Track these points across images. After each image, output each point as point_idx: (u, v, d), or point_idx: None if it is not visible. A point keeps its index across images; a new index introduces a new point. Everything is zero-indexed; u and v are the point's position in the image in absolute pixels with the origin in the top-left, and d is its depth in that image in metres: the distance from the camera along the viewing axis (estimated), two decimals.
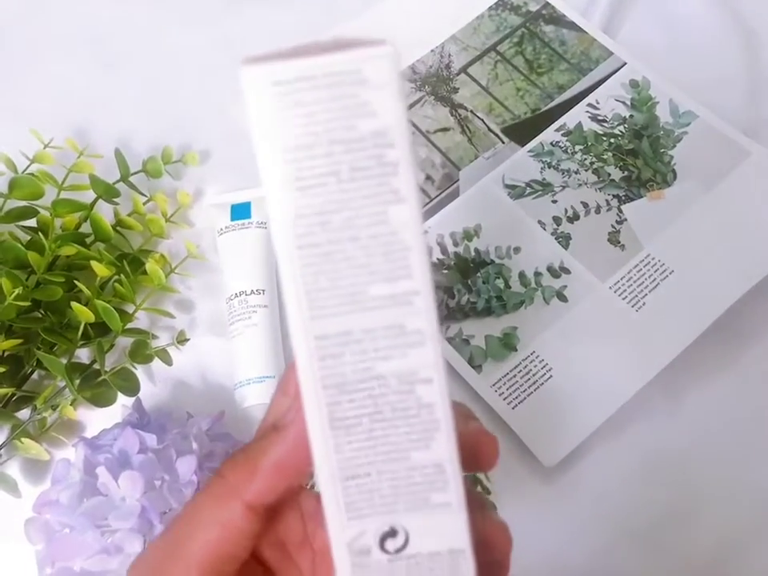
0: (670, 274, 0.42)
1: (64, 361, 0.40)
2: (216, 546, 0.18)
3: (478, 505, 0.20)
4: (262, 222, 0.45)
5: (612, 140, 0.47)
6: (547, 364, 0.41)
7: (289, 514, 0.20)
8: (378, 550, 0.18)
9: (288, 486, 0.18)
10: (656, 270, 0.42)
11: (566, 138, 0.47)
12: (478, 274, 0.44)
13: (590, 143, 0.47)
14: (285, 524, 0.20)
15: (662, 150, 0.46)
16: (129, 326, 0.42)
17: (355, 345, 0.17)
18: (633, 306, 0.42)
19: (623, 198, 0.45)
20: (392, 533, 0.18)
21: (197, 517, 0.18)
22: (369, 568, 0.18)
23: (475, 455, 0.20)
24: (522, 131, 0.48)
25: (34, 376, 0.42)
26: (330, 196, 0.16)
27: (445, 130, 0.49)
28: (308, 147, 0.16)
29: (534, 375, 0.40)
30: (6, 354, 0.39)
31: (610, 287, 0.42)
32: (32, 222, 0.43)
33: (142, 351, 0.41)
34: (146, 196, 0.46)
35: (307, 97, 0.16)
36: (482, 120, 0.49)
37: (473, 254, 0.44)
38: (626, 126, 0.47)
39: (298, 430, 0.18)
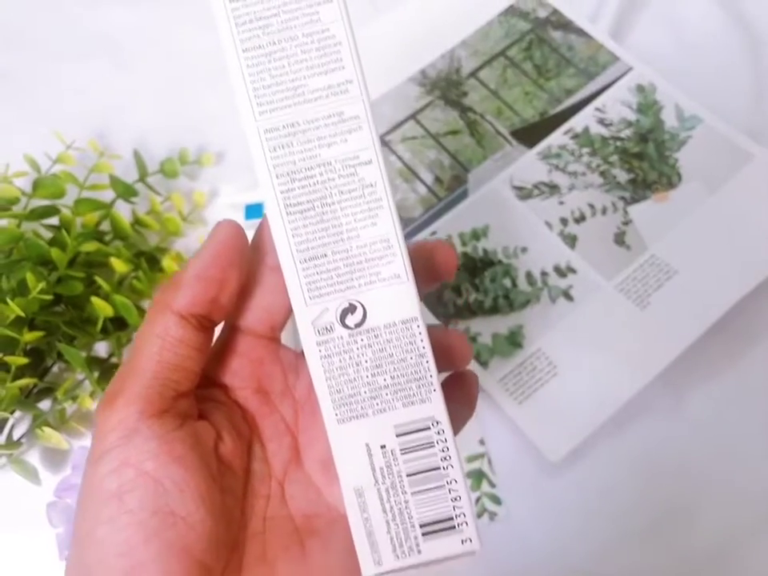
0: (675, 274, 0.43)
1: (83, 354, 0.41)
2: (158, 355, 0.20)
3: (439, 327, 0.22)
4: None
5: (618, 143, 0.48)
6: (552, 361, 0.41)
7: (270, 366, 0.23)
8: (339, 325, 0.20)
9: (212, 297, 0.20)
10: (660, 270, 0.43)
11: (573, 141, 0.48)
12: (486, 273, 0.45)
13: (596, 146, 0.48)
14: (266, 375, 0.23)
15: (667, 153, 0.47)
16: None
17: (301, 135, 0.19)
18: (637, 306, 0.42)
19: (629, 199, 0.46)
20: (351, 309, 0.20)
21: (141, 338, 0.20)
22: (332, 344, 0.20)
23: (434, 263, 0.22)
24: (530, 134, 0.49)
25: (55, 369, 0.43)
26: (269, 2, 0.19)
27: (454, 132, 0.50)
28: None
29: (539, 372, 0.41)
30: (28, 346, 0.41)
31: (616, 287, 0.43)
32: (54, 221, 0.45)
33: None
34: (162, 196, 0.48)
35: None
36: (491, 123, 0.50)
37: (481, 253, 0.45)
38: (632, 129, 0.48)
39: (212, 248, 0.20)
